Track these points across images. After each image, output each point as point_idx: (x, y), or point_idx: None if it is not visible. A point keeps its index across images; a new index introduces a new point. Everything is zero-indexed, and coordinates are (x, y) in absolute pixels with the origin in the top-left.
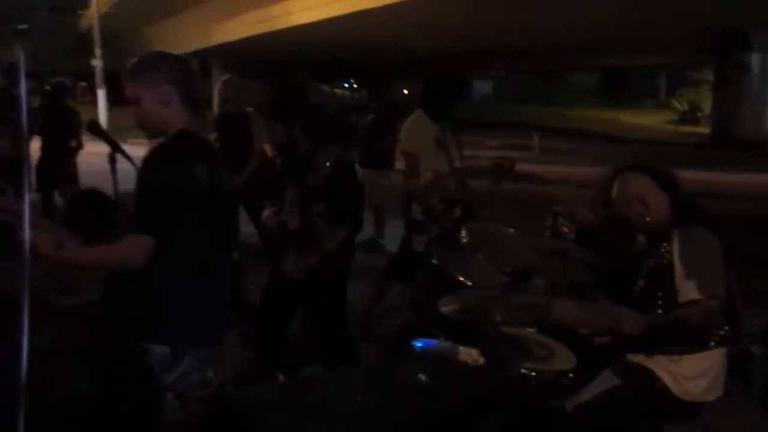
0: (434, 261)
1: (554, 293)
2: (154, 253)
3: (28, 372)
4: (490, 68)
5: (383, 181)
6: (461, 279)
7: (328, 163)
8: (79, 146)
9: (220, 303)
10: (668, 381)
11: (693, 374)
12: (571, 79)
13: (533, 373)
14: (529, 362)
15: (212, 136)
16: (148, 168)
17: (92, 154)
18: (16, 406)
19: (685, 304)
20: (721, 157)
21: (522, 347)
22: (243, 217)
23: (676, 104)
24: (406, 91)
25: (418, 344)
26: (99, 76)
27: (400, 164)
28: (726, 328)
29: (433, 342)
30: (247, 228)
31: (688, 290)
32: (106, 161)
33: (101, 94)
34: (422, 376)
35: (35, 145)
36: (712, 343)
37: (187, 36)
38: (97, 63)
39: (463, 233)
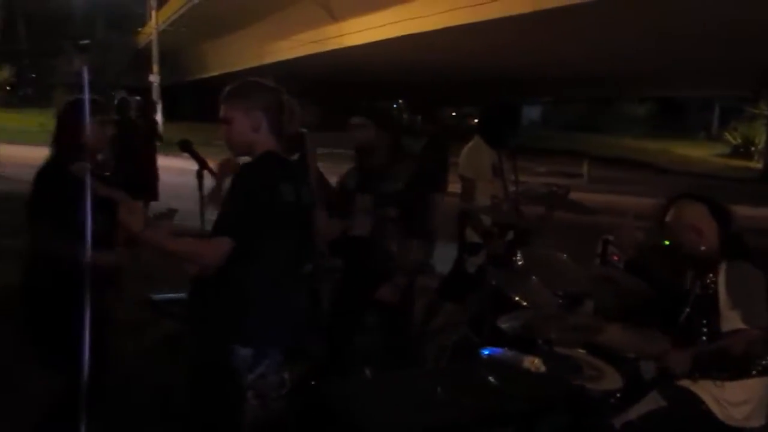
0: (493, 282)
1: (604, 317)
2: (239, 260)
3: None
4: (537, 95)
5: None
6: (518, 299)
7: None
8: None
9: (298, 309)
10: (713, 405)
11: (737, 400)
12: (622, 108)
13: (583, 390)
14: (580, 380)
15: None
16: (238, 182)
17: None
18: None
19: (729, 333)
20: None
21: (574, 365)
22: None
23: (728, 137)
24: (454, 114)
25: (486, 352)
26: (156, 92)
27: (452, 186)
28: None
29: (498, 350)
30: None
31: (732, 320)
32: (176, 175)
33: (158, 109)
34: (491, 378)
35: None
36: (755, 372)
37: (242, 54)
38: (154, 79)
39: (519, 257)
